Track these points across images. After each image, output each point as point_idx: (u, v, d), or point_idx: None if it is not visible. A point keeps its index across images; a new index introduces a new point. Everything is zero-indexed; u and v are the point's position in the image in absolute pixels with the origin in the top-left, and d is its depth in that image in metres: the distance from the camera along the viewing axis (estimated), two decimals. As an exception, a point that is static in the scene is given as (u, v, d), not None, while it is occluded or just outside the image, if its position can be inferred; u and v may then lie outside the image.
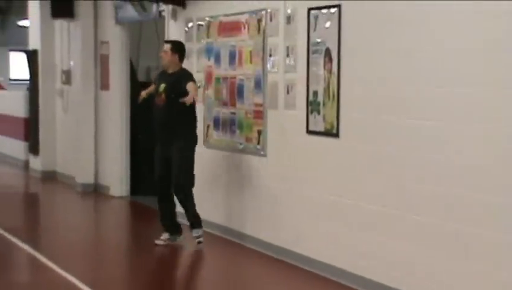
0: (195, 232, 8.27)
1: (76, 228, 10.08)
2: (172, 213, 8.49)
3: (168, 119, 8.15)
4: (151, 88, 8.56)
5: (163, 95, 8.23)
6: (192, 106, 8.07)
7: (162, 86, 8.25)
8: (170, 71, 8.29)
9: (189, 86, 7.92)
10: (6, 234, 8.92)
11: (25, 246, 8.37)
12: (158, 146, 8.38)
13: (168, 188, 8.36)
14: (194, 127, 8.25)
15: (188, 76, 8.18)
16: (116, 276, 7.56)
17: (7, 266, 7.91)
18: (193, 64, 9.23)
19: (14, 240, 8.66)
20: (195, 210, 8.29)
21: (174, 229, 8.47)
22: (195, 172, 8.28)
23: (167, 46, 8.31)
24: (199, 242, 8.23)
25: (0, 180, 14.16)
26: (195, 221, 8.28)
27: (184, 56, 8.40)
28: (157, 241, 8.41)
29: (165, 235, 8.45)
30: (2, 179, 14.19)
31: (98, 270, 7.77)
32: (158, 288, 7.13)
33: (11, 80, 23.63)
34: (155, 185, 8.53)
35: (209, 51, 8.91)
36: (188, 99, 7.77)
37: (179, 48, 8.34)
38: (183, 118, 8.13)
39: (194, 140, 8.27)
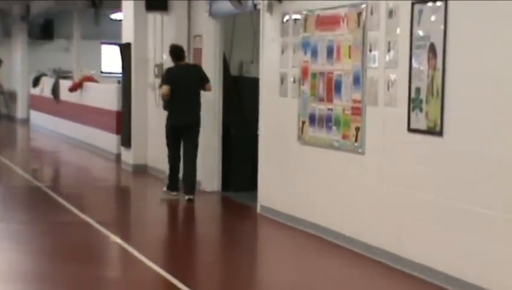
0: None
1: (168, 223, 10.09)
2: None
3: None
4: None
5: None
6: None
7: None
8: None
9: None
10: (98, 227, 8.94)
11: (117, 239, 8.37)
12: None
13: None
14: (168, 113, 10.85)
15: None
16: (207, 271, 7.49)
17: (99, 259, 7.93)
18: (288, 59, 9.08)
19: (107, 233, 8.67)
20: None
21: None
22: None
23: None
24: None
25: (92, 173, 14.34)
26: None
27: (173, 56, 10.87)
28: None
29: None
30: (95, 172, 14.36)
31: (188, 265, 7.71)
32: (251, 285, 7.01)
33: (102, 72, 23.92)
34: None
35: (305, 46, 8.72)
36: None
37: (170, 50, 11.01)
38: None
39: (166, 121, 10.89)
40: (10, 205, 10.82)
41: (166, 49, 12.34)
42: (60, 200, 10.72)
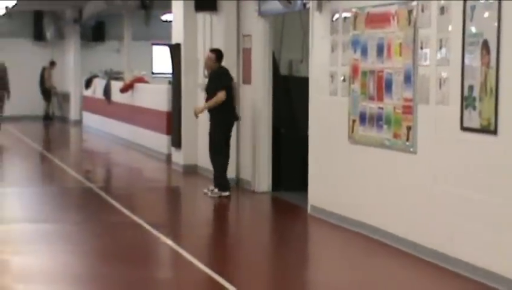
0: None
1: (218, 223, 10.07)
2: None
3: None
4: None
5: (205, 93, 11.39)
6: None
7: (206, 85, 11.39)
8: (209, 72, 11.37)
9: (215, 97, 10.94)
10: (149, 228, 8.95)
11: (168, 241, 8.37)
12: None
13: None
14: (224, 112, 10.97)
15: (218, 78, 11.03)
16: (258, 274, 7.41)
17: (150, 260, 7.93)
18: (338, 57, 8.99)
19: (157, 234, 8.67)
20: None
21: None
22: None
23: (210, 54, 11.23)
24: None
25: (143, 173, 14.39)
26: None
27: (220, 59, 11.14)
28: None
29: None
30: (145, 173, 14.41)
31: (238, 266, 7.69)
32: (301, 286, 6.95)
33: (153, 73, 24.08)
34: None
35: (355, 44, 8.62)
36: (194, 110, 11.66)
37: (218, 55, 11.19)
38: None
39: (224, 122, 11.04)
40: (64, 206, 10.91)
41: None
42: (112, 201, 10.78)
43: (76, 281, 6.99)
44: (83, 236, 8.86)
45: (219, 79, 11.01)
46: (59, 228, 9.23)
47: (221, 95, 10.84)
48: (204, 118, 12.79)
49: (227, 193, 10.93)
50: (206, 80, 11.61)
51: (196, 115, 11.68)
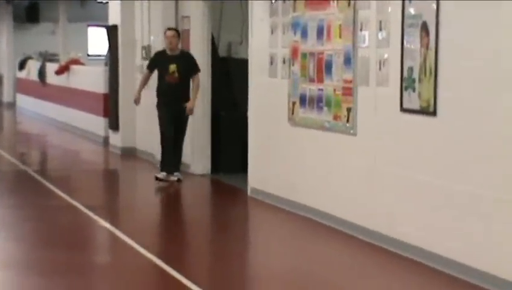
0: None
1: (158, 207, 9.99)
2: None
3: (180, 90, 10.57)
4: (142, 84, 11.07)
5: (176, 74, 10.53)
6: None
7: (172, 66, 10.53)
8: (172, 53, 10.65)
9: (196, 84, 10.65)
10: (86, 211, 8.82)
11: (106, 224, 8.26)
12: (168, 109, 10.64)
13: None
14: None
15: (195, 62, 10.65)
16: (198, 257, 7.39)
17: (87, 244, 7.82)
18: (278, 39, 8.94)
19: (95, 217, 8.55)
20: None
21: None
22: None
23: (174, 33, 10.70)
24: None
25: (80, 156, 14.20)
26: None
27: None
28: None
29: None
30: (82, 156, 14.22)
31: (179, 249, 7.59)
32: (242, 269, 6.92)
33: (89, 55, 23.73)
34: (163, 137, 10.72)
35: (295, 26, 8.58)
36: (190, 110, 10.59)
37: (180, 33, 10.88)
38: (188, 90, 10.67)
39: None
40: (-4, 190, 10.69)
41: (154, 31, 12.24)
42: (47, 184, 10.59)
43: (11, 267, 6.83)
44: (17, 221, 8.68)
45: (194, 62, 10.69)
46: (-8, 213, 9.05)
47: (198, 81, 10.69)
48: (142, 100, 12.63)
49: None
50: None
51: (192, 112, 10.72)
